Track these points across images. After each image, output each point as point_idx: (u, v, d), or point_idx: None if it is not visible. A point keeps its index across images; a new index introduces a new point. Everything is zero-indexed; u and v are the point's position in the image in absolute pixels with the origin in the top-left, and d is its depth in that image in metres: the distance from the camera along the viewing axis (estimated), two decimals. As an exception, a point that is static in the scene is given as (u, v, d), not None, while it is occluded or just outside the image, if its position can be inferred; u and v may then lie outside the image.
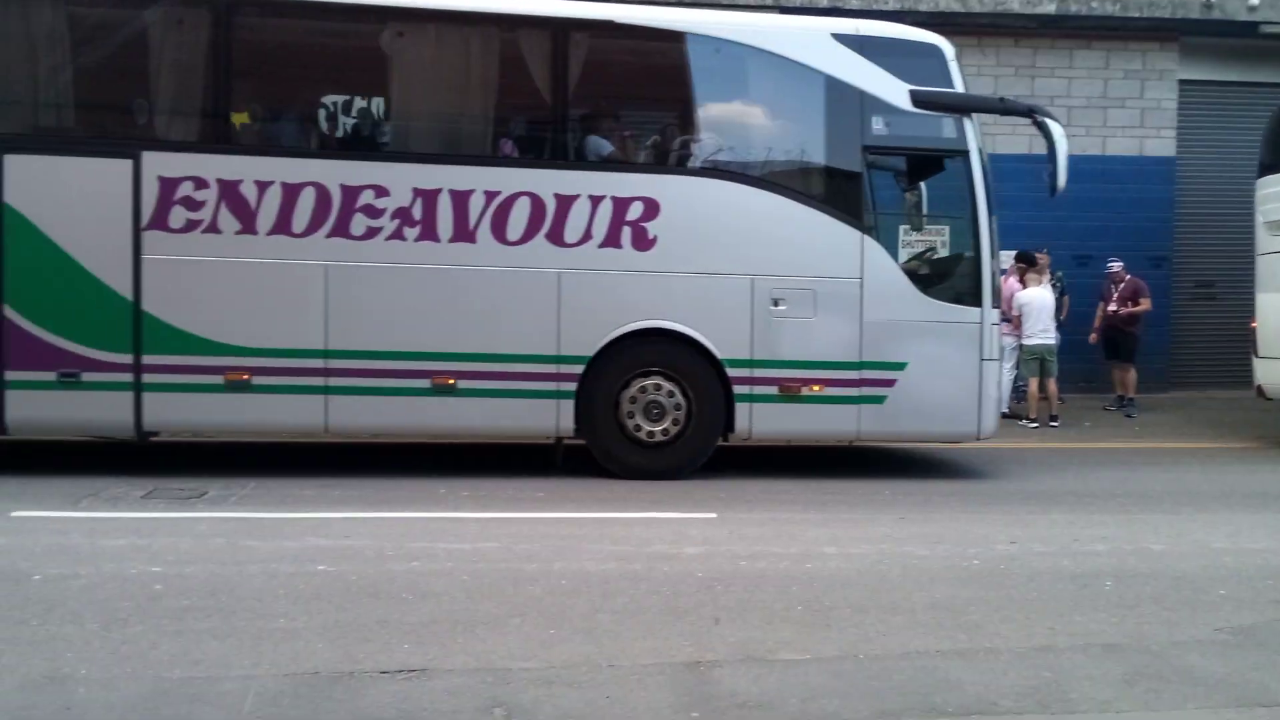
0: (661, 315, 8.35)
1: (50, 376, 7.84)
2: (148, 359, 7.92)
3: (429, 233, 8.12)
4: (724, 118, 8.88)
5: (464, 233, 8.15)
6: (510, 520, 6.95)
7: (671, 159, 8.87)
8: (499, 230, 8.17)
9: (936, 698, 4.08)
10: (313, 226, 8.02)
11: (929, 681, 4.24)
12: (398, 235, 8.09)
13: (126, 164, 7.86)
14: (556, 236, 8.23)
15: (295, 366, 8.04)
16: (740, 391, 8.42)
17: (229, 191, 7.94)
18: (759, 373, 8.42)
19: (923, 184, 9.16)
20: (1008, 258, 11.84)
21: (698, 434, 8.51)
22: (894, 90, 8.43)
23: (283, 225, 7.99)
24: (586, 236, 8.25)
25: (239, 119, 8.25)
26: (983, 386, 8.57)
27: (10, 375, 7.82)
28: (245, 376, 7.99)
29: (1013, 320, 11.97)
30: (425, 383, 8.15)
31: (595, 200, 8.25)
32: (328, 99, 8.76)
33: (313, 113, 8.78)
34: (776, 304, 8.39)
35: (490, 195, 8.16)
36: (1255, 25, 14.56)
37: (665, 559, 5.95)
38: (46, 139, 8.09)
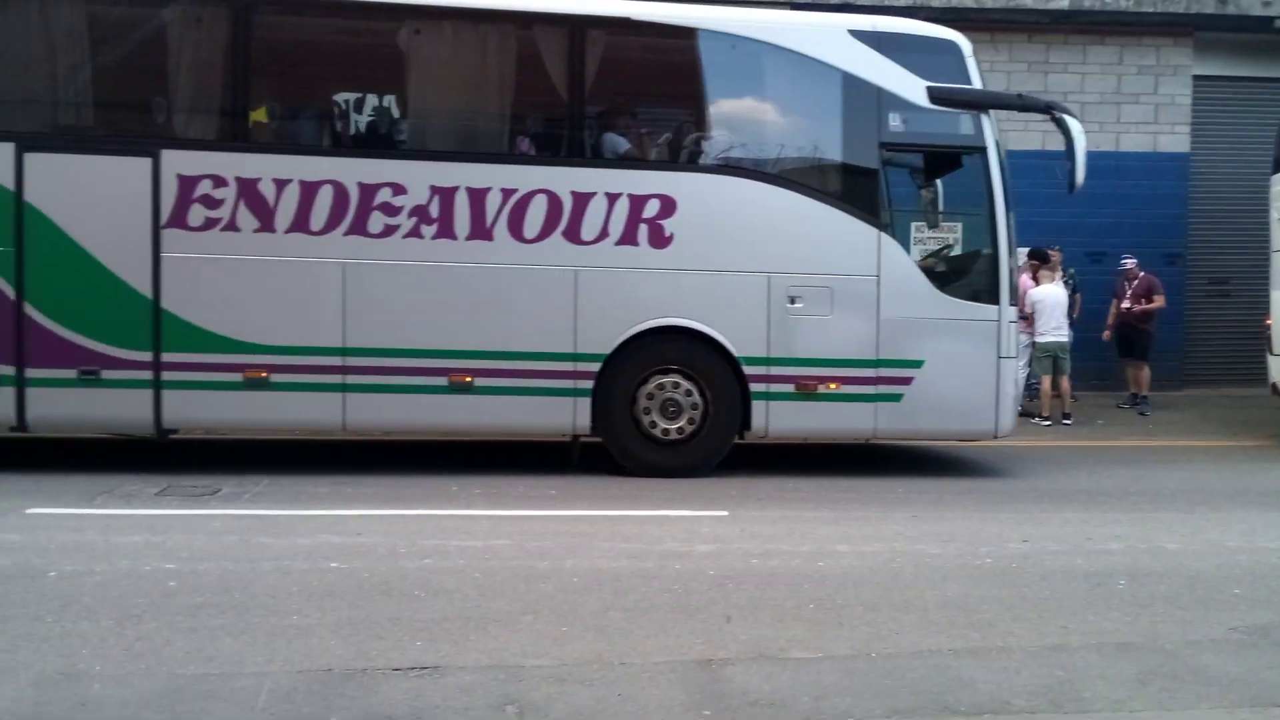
0: (678, 313, 8.35)
1: (70, 374, 7.88)
2: (167, 357, 7.96)
3: (446, 230, 8.14)
4: (740, 115, 8.86)
5: (481, 230, 8.16)
6: (522, 518, 6.97)
7: (688, 156, 8.84)
8: (516, 228, 8.18)
9: (949, 696, 4.07)
10: (331, 224, 8.04)
11: (941, 680, 4.24)
12: (415, 233, 8.11)
13: (146, 162, 7.89)
14: (573, 234, 8.23)
15: (313, 364, 8.06)
16: (757, 389, 8.41)
17: (247, 189, 7.97)
18: (775, 370, 8.41)
19: (940, 181, 9.14)
20: (1020, 255, 11.79)
21: (714, 432, 8.51)
22: (911, 87, 8.41)
23: (301, 223, 8.02)
24: (603, 234, 8.26)
25: (257, 117, 8.27)
26: (1000, 384, 8.54)
27: (31, 373, 7.86)
28: (264, 374, 8.02)
29: (1025, 318, 11.93)
30: (442, 381, 8.17)
31: (612, 198, 8.25)
32: (345, 97, 8.79)
33: (330, 111, 8.82)
34: (793, 302, 8.38)
35: (507, 193, 8.17)
36: (1270, 20, 14.46)
37: (677, 557, 5.95)
38: (66, 138, 8.13)
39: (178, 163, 7.93)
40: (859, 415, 8.52)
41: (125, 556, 5.67)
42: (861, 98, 8.42)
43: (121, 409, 7.98)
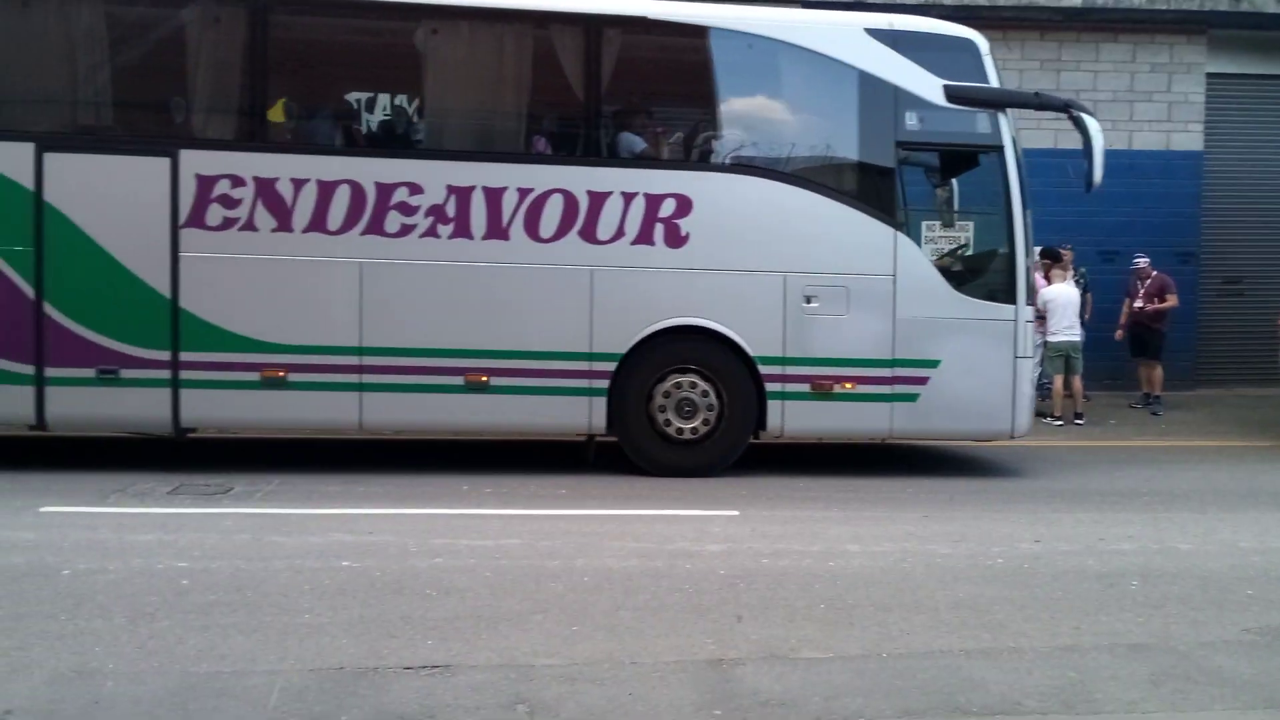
0: (694, 312, 8.35)
1: (89, 373, 7.92)
2: (185, 356, 7.99)
3: (463, 230, 8.15)
4: (756, 114, 8.85)
5: (497, 230, 8.17)
6: (533, 517, 6.98)
7: (704, 156, 8.84)
8: (532, 227, 8.19)
9: (960, 697, 4.07)
10: (348, 224, 8.07)
11: (953, 681, 4.23)
12: (432, 232, 8.13)
13: (164, 162, 7.93)
14: (589, 234, 8.24)
15: (330, 364, 8.09)
16: (772, 389, 8.41)
17: (265, 189, 8.00)
18: (791, 370, 8.40)
19: (957, 180, 9.12)
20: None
21: (729, 431, 8.51)
22: (928, 85, 8.39)
23: (318, 223, 8.04)
24: (619, 234, 8.26)
25: (275, 117, 8.30)
26: (1017, 384, 8.51)
27: (50, 372, 7.90)
28: (281, 374, 8.05)
29: (1040, 318, 11.88)
30: (458, 380, 8.18)
31: (628, 197, 8.25)
32: (362, 97, 8.81)
33: (347, 111, 8.85)
34: (809, 301, 8.37)
35: (523, 192, 8.18)
36: (1285, 17, 14.39)
37: (687, 556, 5.96)
38: (85, 138, 8.16)
39: (196, 163, 7.96)
40: (875, 415, 8.50)
41: (138, 555, 5.69)
42: (878, 96, 8.40)
43: (140, 408, 8.02)
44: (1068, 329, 12.11)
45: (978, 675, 4.29)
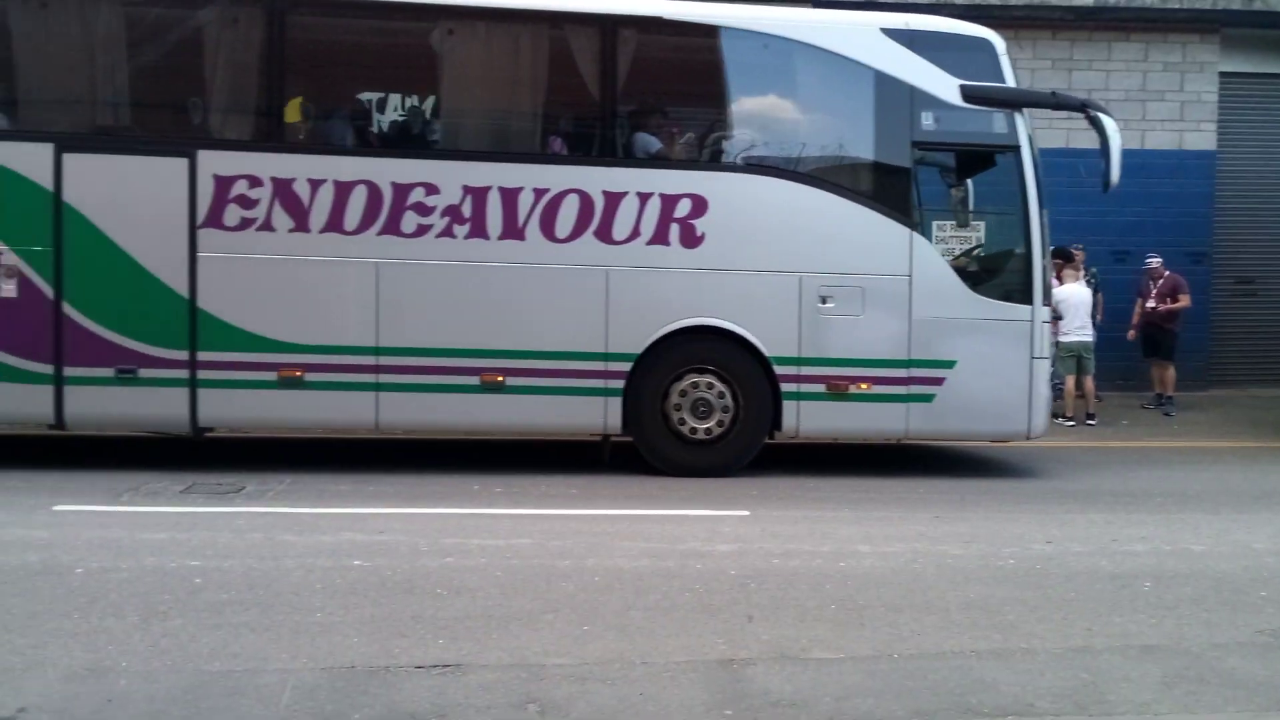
0: (709, 313, 8.35)
1: (108, 373, 7.96)
2: (203, 355, 8.02)
3: (479, 230, 8.17)
4: (772, 114, 8.84)
5: (513, 230, 8.19)
6: (543, 516, 6.98)
7: (720, 156, 8.84)
8: (548, 228, 8.20)
9: (972, 698, 4.06)
10: (364, 224, 8.09)
11: (964, 682, 4.22)
12: (448, 233, 8.15)
13: (182, 163, 7.97)
14: (605, 234, 8.25)
15: (347, 364, 8.12)
16: (788, 389, 8.40)
17: (282, 189, 8.03)
18: (806, 370, 8.39)
19: (973, 180, 9.11)
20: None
21: (745, 431, 8.51)
22: (944, 85, 8.38)
23: (335, 223, 8.07)
24: (634, 234, 8.27)
25: (292, 118, 8.33)
26: (1033, 385, 8.49)
27: (69, 371, 7.94)
28: (298, 373, 8.08)
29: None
30: (474, 380, 8.20)
31: (643, 197, 8.26)
32: (379, 97, 8.83)
33: (364, 111, 8.87)
34: (824, 301, 8.37)
35: (539, 193, 8.19)
36: (1299, 17, 14.32)
37: (698, 556, 5.95)
38: (104, 138, 8.20)
39: (214, 163, 8.00)
40: (890, 415, 8.49)
41: (151, 553, 5.72)
42: (894, 96, 8.39)
43: (158, 407, 8.05)
44: (1079, 329, 12.08)
45: (989, 676, 4.28)
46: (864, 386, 8.41)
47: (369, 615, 4.81)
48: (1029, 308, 8.47)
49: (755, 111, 8.88)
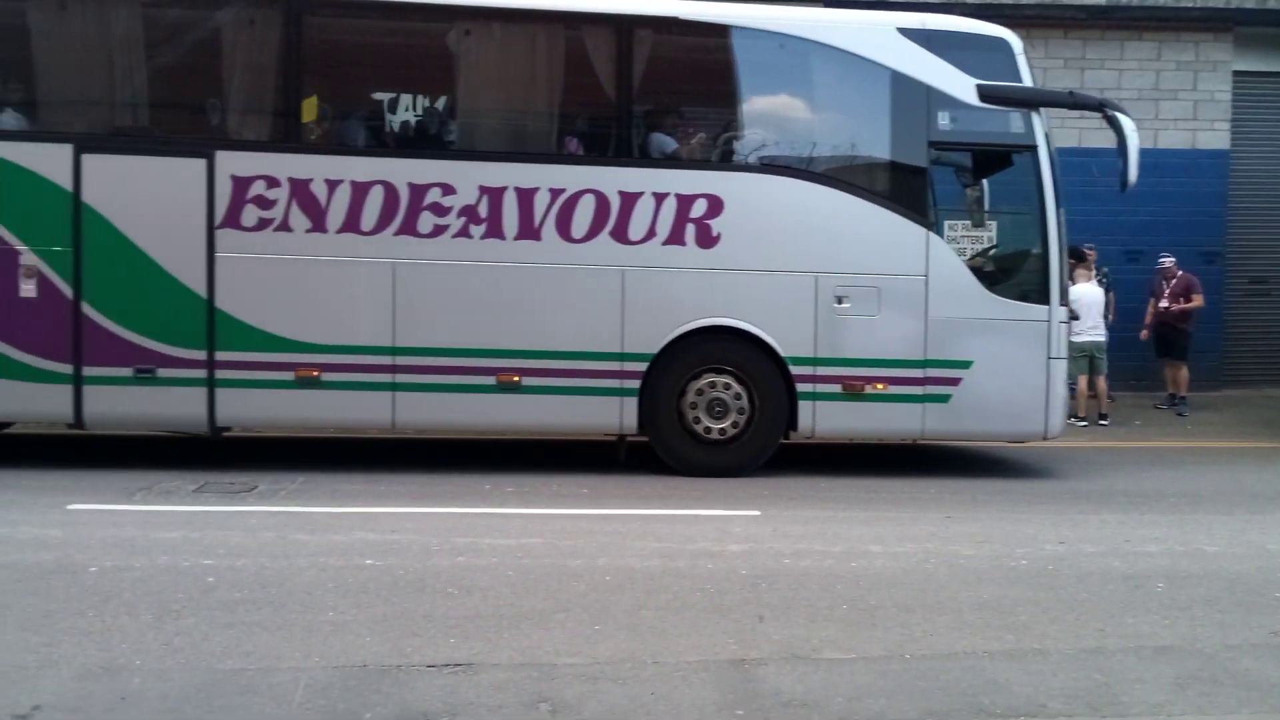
0: (725, 313, 8.35)
1: (127, 372, 8.00)
2: (221, 355, 8.06)
3: (495, 230, 8.19)
4: (787, 114, 8.83)
5: (529, 230, 8.20)
6: (554, 516, 6.99)
7: (735, 156, 8.84)
8: (564, 228, 8.22)
9: (984, 699, 4.05)
10: (381, 224, 8.12)
11: (976, 682, 4.21)
12: (464, 233, 8.17)
13: (200, 163, 8.01)
14: (621, 234, 8.25)
15: (364, 363, 8.15)
16: (803, 389, 8.40)
17: (300, 190, 8.06)
18: (822, 370, 8.39)
19: (990, 180, 9.09)
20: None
21: (760, 431, 8.51)
22: (960, 85, 8.36)
23: (352, 223, 8.10)
24: (650, 234, 8.27)
25: (309, 118, 8.36)
26: (1050, 385, 8.46)
27: (88, 371, 7.99)
28: (315, 373, 8.11)
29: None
30: (490, 380, 8.22)
31: (659, 198, 8.27)
32: (395, 98, 8.86)
33: (381, 112, 8.89)
34: (840, 301, 8.36)
35: (555, 193, 8.21)
36: (1313, 15, 14.24)
37: (709, 556, 5.95)
38: (123, 139, 8.24)
39: (231, 164, 8.04)
40: (906, 416, 8.48)
41: (164, 552, 5.74)
42: (910, 96, 8.38)
43: (176, 407, 8.09)
44: (1092, 329, 12.03)
45: (1002, 677, 4.27)
46: (880, 387, 8.40)
47: (381, 614, 4.83)
48: (1046, 308, 8.45)
49: (771, 111, 8.87)
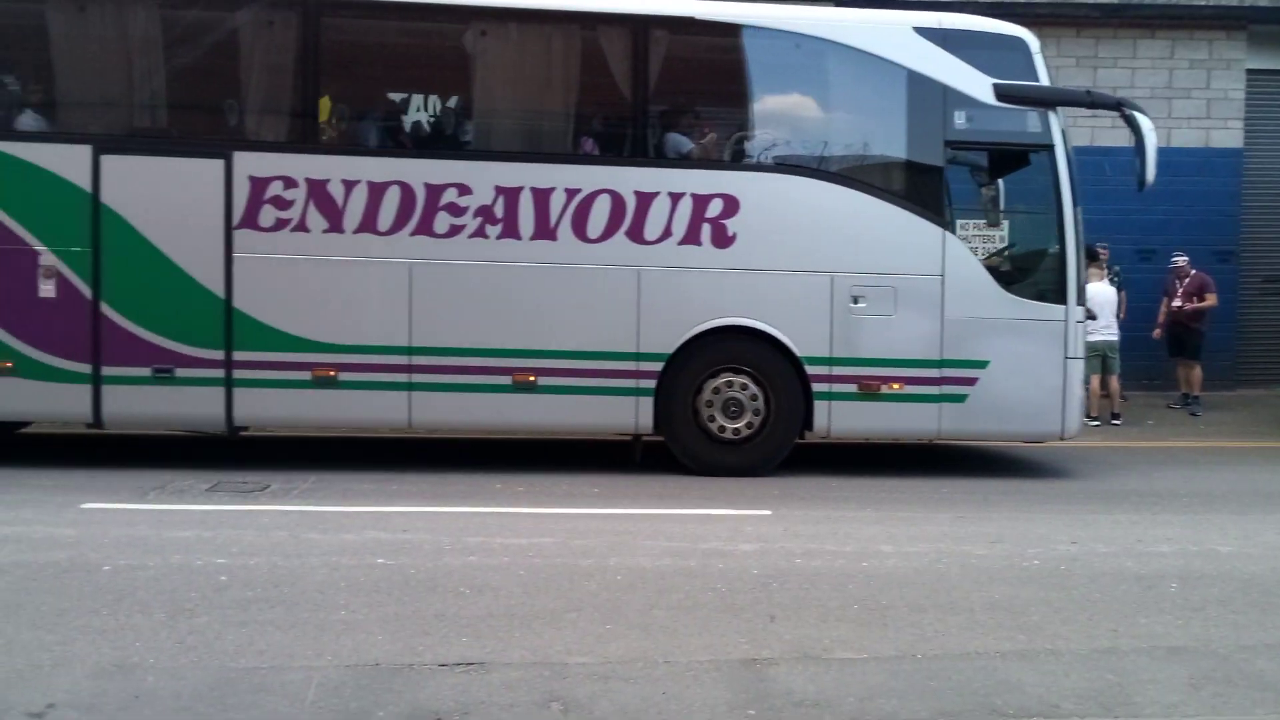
0: (741, 313, 8.36)
1: (145, 372, 8.05)
2: (238, 355, 8.10)
3: (511, 230, 8.21)
4: (803, 114, 8.82)
5: (545, 230, 8.22)
6: (565, 515, 7.00)
7: (751, 156, 8.83)
8: (579, 228, 8.23)
9: (996, 699, 4.04)
10: (398, 225, 8.15)
11: (989, 682, 4.20)
12: (480, 233, 8.19)
13: (218, 164, 8.05)
14: (636, 234, 8.26)
15: (380, 363, 8.18)
16: (819, 389, 8.40)
17: (317, 190, 8.10)
18: (838, 370, 8.38)
19: (1007, 179, 9.08)
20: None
21: (776, 431, 8.51)
22: (977, 84, 8.35)
23: (369, 224, 8.13)
24: (666, 234, 8.28)
25: (326, 119, 8.40)
26: (1067, 385, 8.44)
27: (107, 370, 8.03)
28: (332, 373, 8.14)
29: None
30: (506, 380, 8.23)
31: (675, 198, 8.27)
32: (412, 98, 8.88)
33: (397, 112, 8.92)
34: (856, 301, 8.35)
35: (571, 193, 8.22)
36: (1327, 13, 14.16)
37: (720, 556, 5.95)
38: (141, 140, 8.29)
39: (249, 164, 8.08)
40: (922, 416, 8.47)
41: (177, 551, 5.76)
42: (927, 95, 8.37)
43: (194, 406, 8.13)
44: (1104, 328, 11.99)
45: (1014, 677, 4.26)
46: (896, 387, 8.39)
47: (393, 613, 4.84)
48: (1063, 307, 8.43)
49: (787, 111, 8.86)
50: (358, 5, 8.68)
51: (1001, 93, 8.35)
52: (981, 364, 8.40)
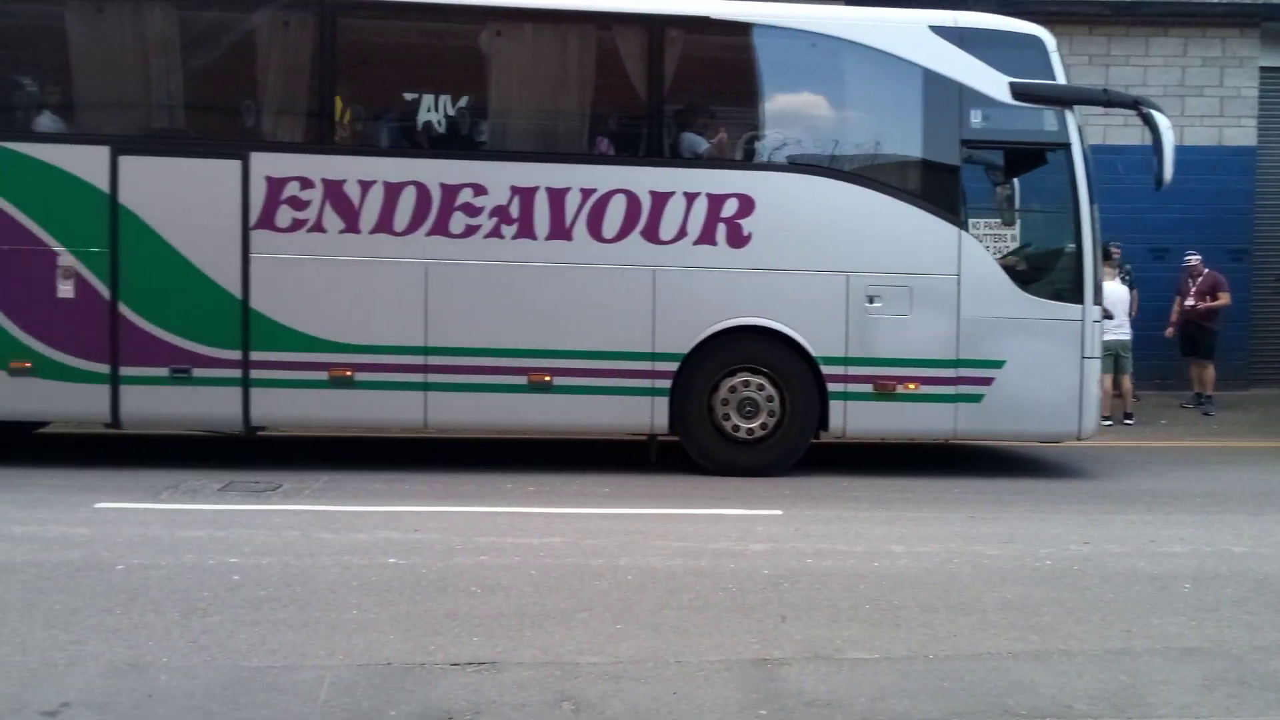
0: (756, 312, 8.35)
1: (163, 372, 8.08)
2: (255, 355, 8.13)
3: (526, 230, 8.22)
4: (819, 113, 8.81)
5: (560, 230, 8.23)
6: (576, 515, 7.00)
7: (766, 155, 8.82)
8: (595, 228, 8.24)
9: (1009, 700, 4.03)
10: (413, 225, 8.17)
11: (1001, 683, 4.19)
12: (496, 233, 8.21)
13: (235, 165, 8.08)
14: (652, 234, 8.27)
15: (396, 363, 8.20)
16: (835, 389, 8.39)
17: (333, 191, 8.12)
18: (854, 370, 8.38)
19: (1023, 178, 9.05)
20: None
21: (791, 431, 8.50)
22: (993, 83, 8.33)
23: (385, 224, 8.16)
24: (681, 233, 8.28)
25: (342, 120, 8.43)
26: (1084, 385, 8.42)
27: (125, 371, 8.07)
28: (349, 373, 8.17)
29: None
30: (522, 380, 8.25)
31: (690, 197, 8.28)
32: (428, 99, 8.90)
33: (413, 113, 8.94)
34: (872, 301, 8.34)
35: (586, 193, 8.23)
36: (1341, 10, 14.08)
37: (731, 555, 5.95)
38: (159, 141, 8.33)
39: (266, 165, 8.11)
40: (938, 416, 8.45)
41: (190, 550, 5.79)
42: (943, 94, 8.35)
43: (212, 406, 8.17)
44: (1117, 327, 11.91)
45: (1026, 678, 4.25)
46: (912, 387, 8.37)
47: (404, 613, 4.85)
48: (1079, 307, 8.42)
49: (802, 111, 8.85)
50: (374, 6, 8.69)
51: (1018, 91, 8.32)
52: (998, 364, 8.38)
